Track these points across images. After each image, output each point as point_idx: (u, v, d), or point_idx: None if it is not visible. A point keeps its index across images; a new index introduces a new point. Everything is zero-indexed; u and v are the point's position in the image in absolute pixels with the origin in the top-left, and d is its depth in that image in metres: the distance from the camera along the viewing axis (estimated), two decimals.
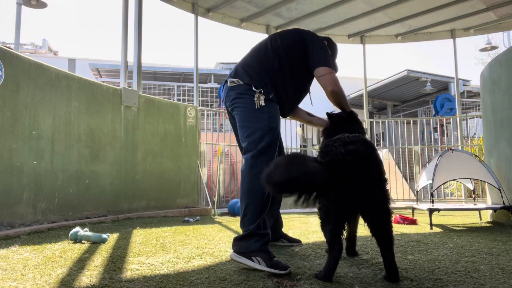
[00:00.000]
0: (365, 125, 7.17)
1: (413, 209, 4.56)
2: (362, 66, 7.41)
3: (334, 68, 2.39)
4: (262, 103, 2.22)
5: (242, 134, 2.27)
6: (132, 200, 4.67)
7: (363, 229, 3.67)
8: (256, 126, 2.22)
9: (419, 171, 6.80)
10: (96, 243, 2.67)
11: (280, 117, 2.42)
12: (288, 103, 2.43)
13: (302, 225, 3.86)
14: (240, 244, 2.04)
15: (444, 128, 11.19)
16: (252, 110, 2.24)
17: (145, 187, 4.85)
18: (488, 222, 4.15)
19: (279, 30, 5.58)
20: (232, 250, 2.10)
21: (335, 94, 2.30)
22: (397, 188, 7.86)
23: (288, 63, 2.35)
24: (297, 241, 2.73)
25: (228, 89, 2.36)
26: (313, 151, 9.29)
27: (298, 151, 9.63)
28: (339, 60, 2.68)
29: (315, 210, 1.97)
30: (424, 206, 4.18)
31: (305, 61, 2.36)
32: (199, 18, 6.12)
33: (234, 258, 2.03)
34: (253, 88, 2.25)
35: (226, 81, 2.40)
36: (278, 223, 2.75)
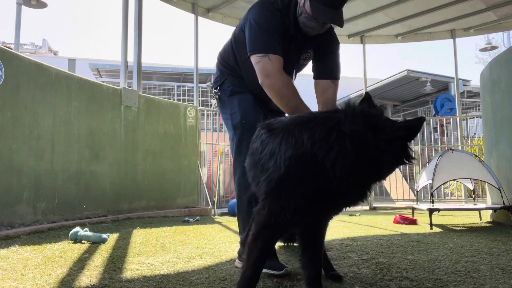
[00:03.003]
0: None
1: (413, 209, 4.56)
2: (362, 66, 7.41)
3: (269, 49, 1.82)
4: (224, 102, 2.15)
5: None
6: (132, 200, 4.67)
7: (363, 229, 3.67)
8: (228, 129, 2.18)
9: (419, 171, 6.79)
10: (96, 243, 2.67)
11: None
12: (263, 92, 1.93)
13: None
14: (239, 251, 2.10)
15: (444, 128, 11.17)
16: (221, 113, 2.23)
17: (145, 187, 4.85)
18: (488, 222, 4.15)
19: None
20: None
21: (267, 88, 1.83)
22: (397, 188, 7.86)
23: (237, 56, 2.10)
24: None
25: None
26: None
27: None
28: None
29: None
30: (424, 206, 4.18)
31: None
32: (199, 18, 6.12)
33: (237, 265, 2.07)
34: (214, 90, 2.22)
35: None
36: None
